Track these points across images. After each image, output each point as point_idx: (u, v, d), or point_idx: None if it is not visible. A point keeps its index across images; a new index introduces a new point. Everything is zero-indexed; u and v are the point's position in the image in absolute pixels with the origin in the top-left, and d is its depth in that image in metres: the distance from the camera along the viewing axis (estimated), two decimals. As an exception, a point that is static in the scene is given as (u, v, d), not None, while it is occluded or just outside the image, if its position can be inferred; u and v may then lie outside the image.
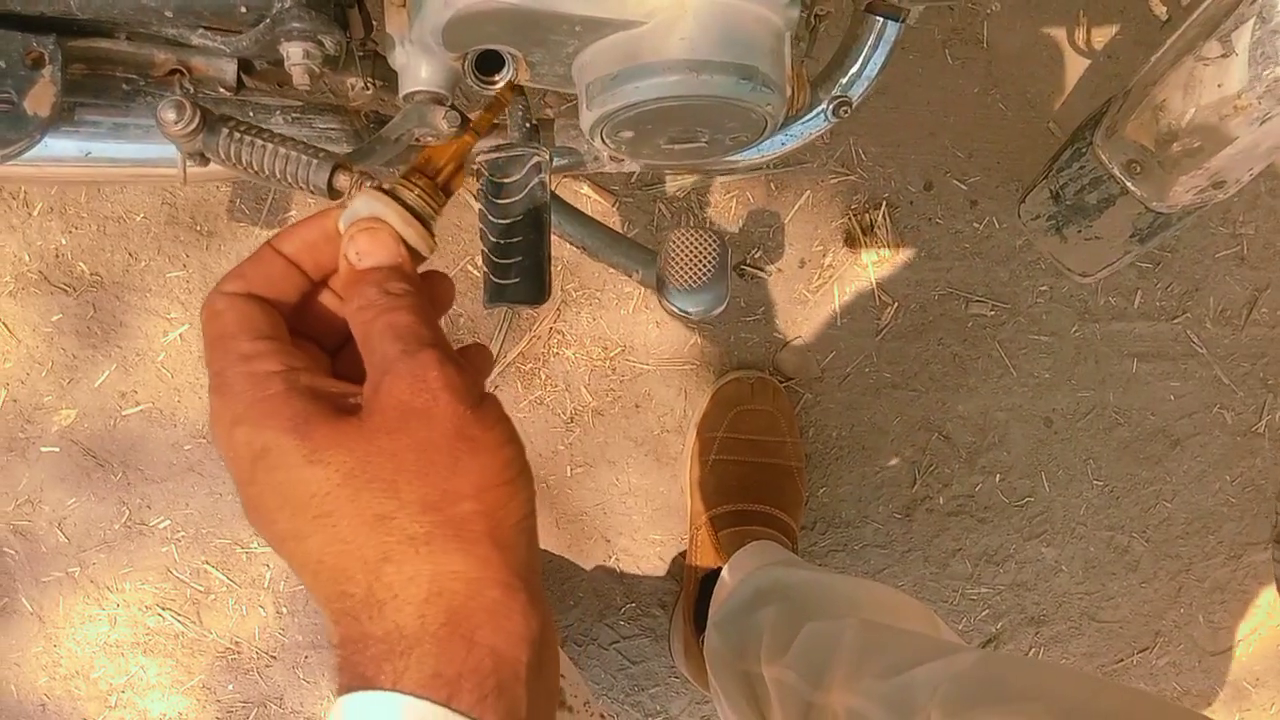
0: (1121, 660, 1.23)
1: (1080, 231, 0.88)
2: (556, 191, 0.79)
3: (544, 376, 1.07)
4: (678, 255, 0.71)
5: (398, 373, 0.37)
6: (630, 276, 0.77)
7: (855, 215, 1.11)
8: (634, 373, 1.08)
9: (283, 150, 0.48)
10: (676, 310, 0.70)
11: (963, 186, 1.12)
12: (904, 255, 1.12)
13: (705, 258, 0.72)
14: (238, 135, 0.48)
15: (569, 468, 1.08)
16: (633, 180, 1.06)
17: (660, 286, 0.70)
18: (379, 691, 0.34)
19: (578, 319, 1.08)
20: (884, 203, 1.11)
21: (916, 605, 0.89)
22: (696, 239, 0.72)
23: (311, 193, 0.47)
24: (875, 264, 1.12)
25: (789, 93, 0.69)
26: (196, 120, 0.47)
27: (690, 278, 0.71)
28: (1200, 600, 1.24)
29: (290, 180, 0.48)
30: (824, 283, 1.11)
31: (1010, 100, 1.12)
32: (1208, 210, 1.04)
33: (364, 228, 0.42)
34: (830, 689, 0.76)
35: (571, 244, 0.78)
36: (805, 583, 0.92)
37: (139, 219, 1.02)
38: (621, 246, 0.79)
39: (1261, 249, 1.19)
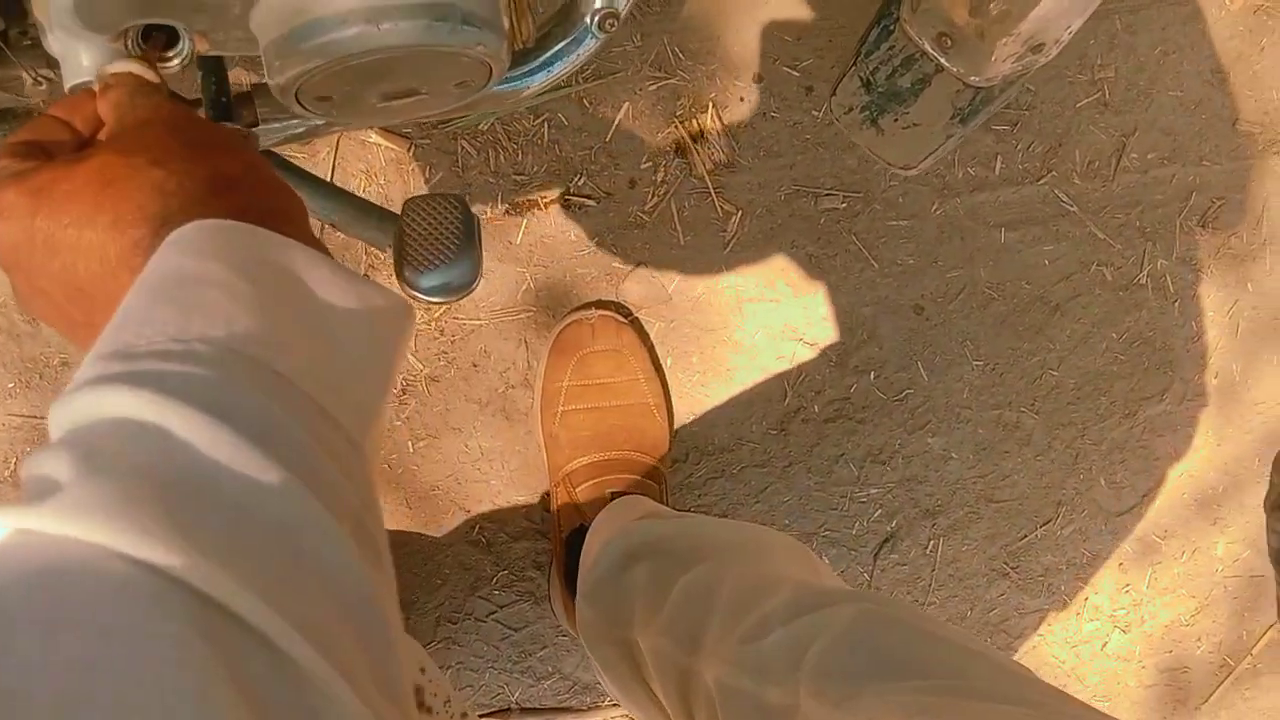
0: (1025, 536, 1.22)
1: (897, 120, 0.80)
2: (281, 153, 0.69)
3: (364, 351, 0.98)
4: (412, 229, 0.62)
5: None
6: (384, 253, 0.67)
7: (682, 122, 1.02)
8: (464, 331, 1.01)
9: None
10: (418, 296, 0.60)
11: (794, 73, 1.04)
12: (742, 158, 1.05)
13: (445, 228, 0.62)
14: None
15: (410, 443, 1.01)
16: (427, 119, 0.96)
17: (398, 269, 0.60)
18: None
19: (389, 284, 0.98)
20: (711, 104, 1.03)
21: (792, 544, 0.90)
22: (432, 207, 0.62)
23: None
24: (712, 172, 1.04)
25: (508, 24, 0.59)
26: None
27: (428, 255, 0.61)
28: (1099, 463, 1.23)
29: None
30: (659, 201, 1.03)
31: (832, -30, 1.02)
32: (1060, 59, 0.96)
33: (114, 76, 0.48)
34: (701, 654, 0.71)
35: (317, 219, 0.68)
36: (673, 535, 0.88)
37: None
38: (372, 218, 0.70)
39: (1124, 91, 1.13)
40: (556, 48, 0.71)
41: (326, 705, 0.28)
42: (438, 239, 0.62)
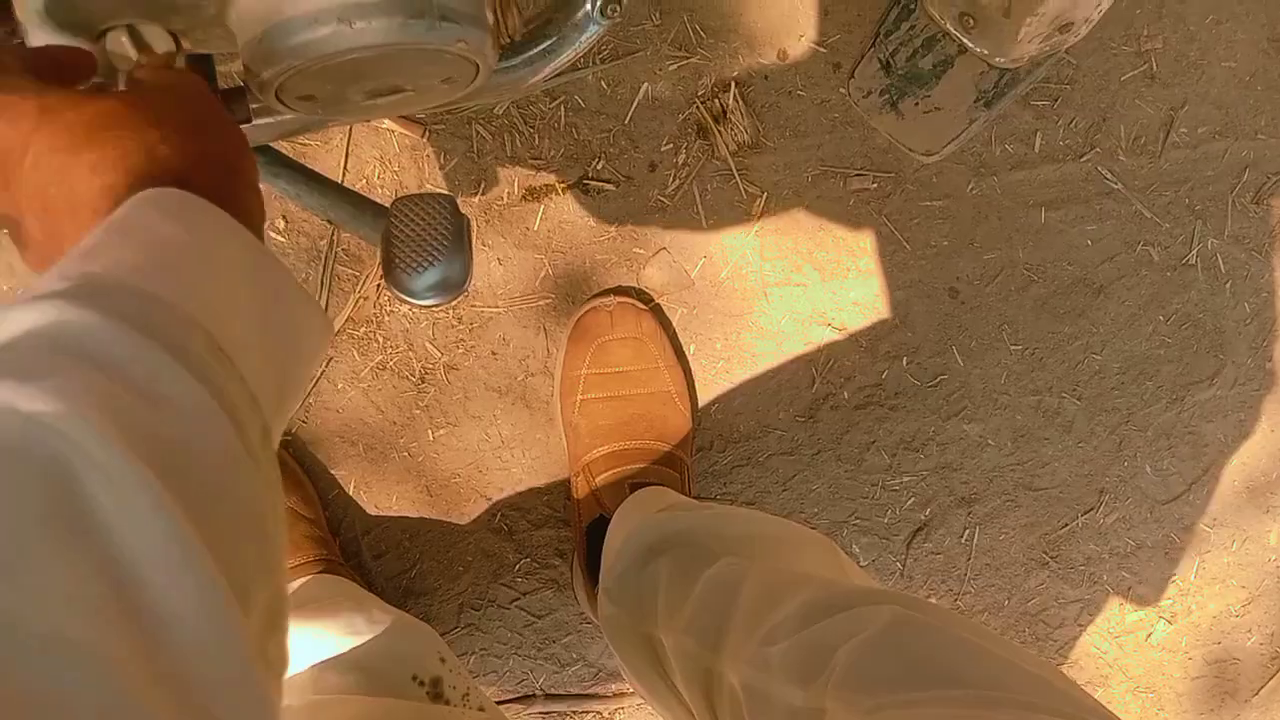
0: (1066, 525, 1.18)
1: (918, 104, 0.77)
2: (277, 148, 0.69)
3: (381, 339, 0.99)
4: (400, 230, 0.60)
5: None
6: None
7: (704, 102, 1.00)
8: (483, 318, 1.00)
9: None
10: (405, 298, 0.59)
11: (821, 50, 1.01)
12: (766, 138, 1.02)
13: (434, 230, 0.61)
14: None
15: (430, 431, 1.01)
16: (442, 108, 0.94)
17: (385, 270, 0.59)
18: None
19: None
20: (734, 83, 1.00)
21: (818, 539, 0.87)
22: (421, 208, 0.61)
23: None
24: (735, 153, 1.01)
25: (492, 18, 0.57)
26: None
27: (416, 257, 0.60)
28: (1145, 450, 1.19)
29: None
30: (681, 184, 1.01)
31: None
32: (1104, 30, 0.92)
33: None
34: (725, 654, 0.70)
35: (317, 216, 0.67)
36: (696, 528, 0.87)
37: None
38: (367, 215, 0.69)
39: (1173, 62, 1.08)
40: (557, 36, 0.69)
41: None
42: (426, 240, 0.61)
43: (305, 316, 0.45)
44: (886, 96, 0.77)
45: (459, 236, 0.61)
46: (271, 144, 0.76)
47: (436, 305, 0.61)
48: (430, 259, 0.60)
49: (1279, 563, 1.27)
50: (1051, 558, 1.21)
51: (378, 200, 0.69)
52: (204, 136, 0.45)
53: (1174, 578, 1.25)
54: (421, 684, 0.85)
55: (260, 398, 0.40)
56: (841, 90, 1.04)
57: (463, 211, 0.62)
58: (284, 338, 0.43)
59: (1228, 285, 1.17)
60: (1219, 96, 1.12)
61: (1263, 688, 1.31)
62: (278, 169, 0.70)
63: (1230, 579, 1.27)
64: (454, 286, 0.60)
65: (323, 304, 0.98)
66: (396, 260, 0.60)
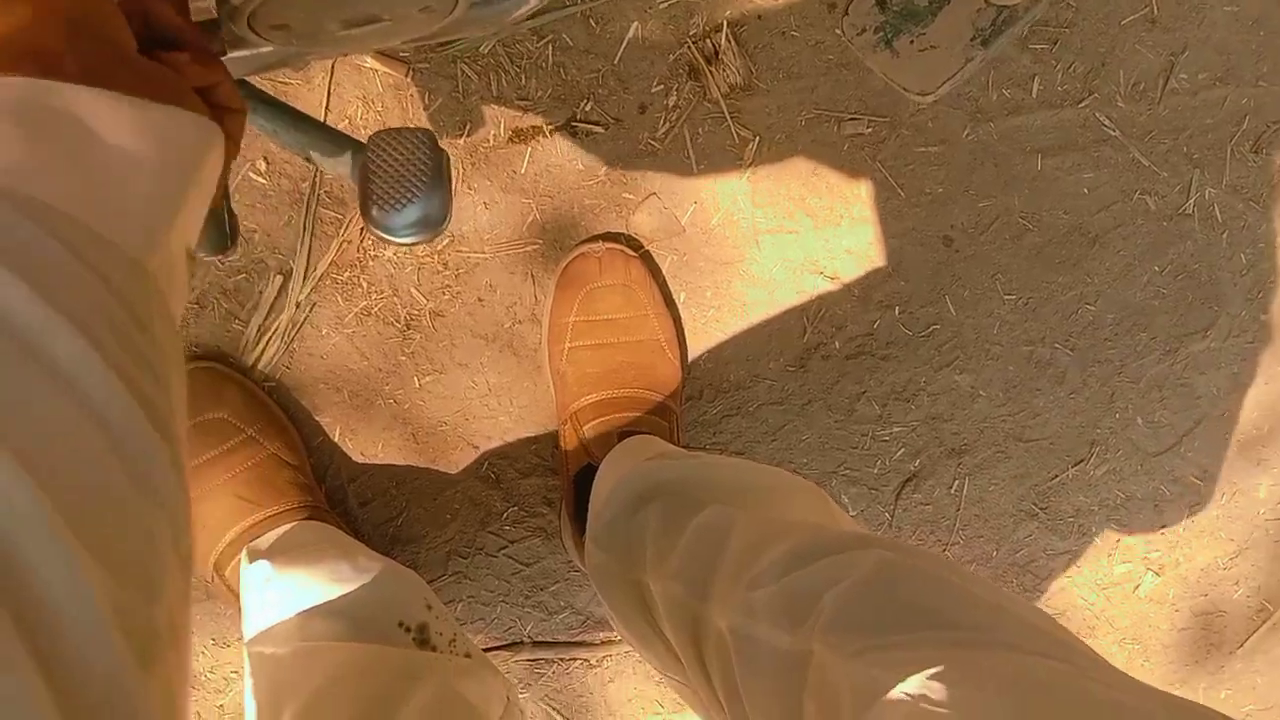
0: (1056, 476, 1.18)
1: (913, 42, 0.75)
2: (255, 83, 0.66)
3: (365, 284, 0.97)
4: (378, 165, 0.59)
5: None
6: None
7: (695, 42, 0.98)
8: (469, 264, 0.98)
9: None
10: (383, 235, 0.58)
11: (815, -11, 0.98)
12: (759, 80, 1.00)
13: (412, 165, 0.59)
14: None
15: (416, 378, 1.00)
16: (425, 44, 0.92)
17: (363, 209, 0.58)
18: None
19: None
20: (726, 22, 0.98)
21: (808, 487, 0.87)
22: (399, 142, 0.59)
23: None
24: (727, 96, 0.99)
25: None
26: None
27: (393, 193, 0.58)
28: (1136, 402, 1.18)
29: None
30: (671, 127, 0.99)
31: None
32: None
33: None
34: (713, 600, 0.69)
35: (290, 152, 0.66)
36: (685, 476, 0.86)
37: None
38: (345, 152, 0.67)
39: (1175, 6, 1.06)
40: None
41: None
42: (404, 176, 0.59)
43: (170, 126, 0.42)
44: (881, 34, 0.75)
45: (438, 172, 0.59)
46: (249, 79, 0.73)
47: (416, 243, 0.59)
48: (409, 195, 0.58)
49: (1268, 516, 1.27)
50: (1041, 509, 1.21)
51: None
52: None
53: (1163, 530, 1.25)
54: (408, 630, 0.85)
55: (149, 261, 0.39)
56: (836, 31, 1.02)
57: (442, 147, 0.60)
58: (144, 162, 0.41)
59: (1224, 236, 1.16)
60: (1221, 41, 1.10)
61: (1247, 640, 1.31)
62: (254, 104, 0.68)
63: (1219, 532, 1.27)
64: (434, 224, 0.58)
65: (305, 248, 0.96)
66: (374, 196, 0.58)
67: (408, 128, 0.59)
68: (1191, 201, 1.14)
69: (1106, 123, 1.10)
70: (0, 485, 0.28)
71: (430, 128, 0.96)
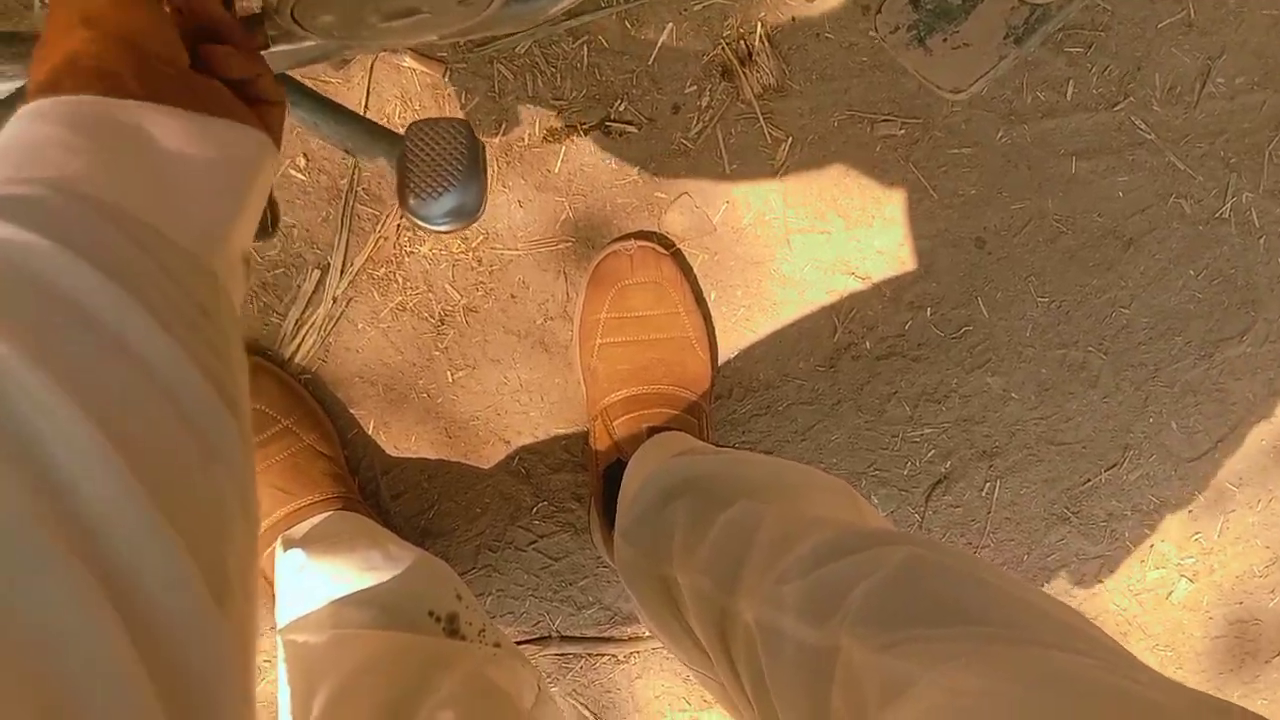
0: (1089, 480, 1.17)
1: (946, 40, 0.76)
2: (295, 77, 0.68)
3: (401, 280, 0.99)
4: (415, 155, 0.60)
5: None
6: None
7: (729, 44, 0.99)
8: (502, 261, 1.00)
9: None
10: (420, 223, 0.59)
11: (849, -9, 0.98)
12: (792, 81, 1.01)
13: (450, 154, 0.60)
14: None
15: (449, 373, 1.01)
16: (462, 44, 0.94)
17: (400, 198, 0.59)
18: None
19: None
20: (760, 24, 0.99)
21: (836, 484, 0.87)
22: (436, 131, 0.61)
23: None
24: (760, 97, 1.00)
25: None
26: None
27: (431, 182, 0.59)
28: (1171, 406, 1.17)
29: None
30: (704, 127, 1.00)
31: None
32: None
33: None
34: (739, 594, 0.70)
35: (328, 144, 0.67)
36: (714, 472, 0.87)
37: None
38: (381, 143, 0.68)
39: (1212, 9, 1.06)
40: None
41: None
42: (441, 165, 0.60)
43: (230, 139, 0.46)
44: (914, 32, 0.76)
45: (474, 161, 0.60)
46: (291, 74, 0.75)
47: (452, 231, 0.61)
48: (446, 184, 0.59)
49: (1305, 523, 1.26)
50: (1073, 513, 1.21)
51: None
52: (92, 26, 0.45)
53: (1197, 536, 1.24)
54: (438, 620, 0.86)
55: (212, 262, 0.42)
56: (870, 33, 1.02)
57: (478, 137, 0.62)
58: (207, 171, 0.44)
59: (1261, 240, 1.15)
60: (1259, 45, 1.09)
61: (1284, 649, 1.30)
62: (295, 97, 0.70)
63: (1255, 539, 1.26)
64: (470, 212, 0.60)
65: (342, 243, 0.98)
66: (411, 185, 0.60)
67: (445, 118, 0.61)
68: (1228, 206, 1.14)
69: (1142, 126, 1.09)
70: (77, 439, 0.31)
71: (466, 126, 0.98)
